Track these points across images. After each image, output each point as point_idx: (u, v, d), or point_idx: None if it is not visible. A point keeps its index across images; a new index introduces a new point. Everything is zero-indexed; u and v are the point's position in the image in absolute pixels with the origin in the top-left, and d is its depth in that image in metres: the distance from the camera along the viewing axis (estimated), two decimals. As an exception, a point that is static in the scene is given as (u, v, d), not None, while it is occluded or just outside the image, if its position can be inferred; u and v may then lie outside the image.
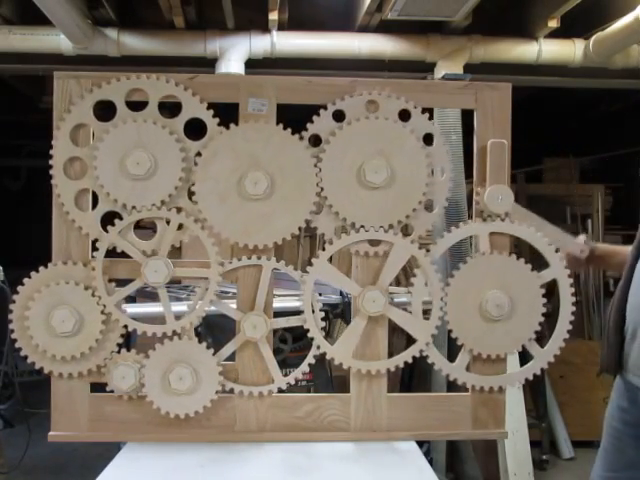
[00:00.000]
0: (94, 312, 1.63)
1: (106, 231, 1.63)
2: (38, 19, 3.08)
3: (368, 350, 1.69)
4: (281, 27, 3.35)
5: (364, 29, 3.41)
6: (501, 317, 1.66)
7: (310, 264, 1.67)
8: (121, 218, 1.64)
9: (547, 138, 5.75)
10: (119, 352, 1.66)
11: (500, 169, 1.69)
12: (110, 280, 1.66)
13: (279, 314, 1.72)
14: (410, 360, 1.69)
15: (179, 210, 1.65)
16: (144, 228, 2.13)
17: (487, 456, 3.50)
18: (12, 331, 1.63)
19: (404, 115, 1.68)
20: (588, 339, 4.64)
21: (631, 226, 1.94)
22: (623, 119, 5.30)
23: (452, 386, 1.90)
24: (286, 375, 1.70)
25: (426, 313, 1.70)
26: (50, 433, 1.68)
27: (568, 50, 3.47)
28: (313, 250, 4.73)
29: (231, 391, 1.68)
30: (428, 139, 1.69)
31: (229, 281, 1.70)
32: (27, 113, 5.24)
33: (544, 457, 3.97)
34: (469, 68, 3.41)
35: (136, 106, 1.65)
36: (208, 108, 1.65)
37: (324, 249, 1.68)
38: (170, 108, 1.74)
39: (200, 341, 1.67)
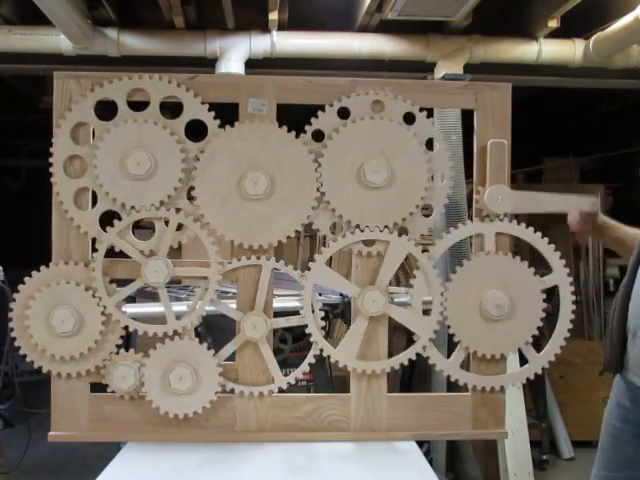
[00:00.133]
0: (94, 312, 1.63)
1: (105, 231, 1.63)
2: (38, 19, 3.08)
3: (369, 350, 1.69)
4: (281, 27, 3.34)
5: (364, 29, 3.41)
6: (501, 317, 1.66)
7: (309, 266, 1.67)
8: (120, 218, 1.64)
9: (547, 138, 5.75)
10: (117, 353, 1.66)
11: (500, 169, 1.69)
12: (111, 281, 1.66)
13: (279, 314, 1.72)
14: (414, 357, 1.69)
15: (178, 211, 1.65)
16: (144, 228, 2.13)
17: (487, 456, 3.50)
18: (12, 329, 1.63)
19: (408, 118, 1.67)
20: (588, 339, 4.64)
21: (631, 226, 1.95)
22: (623, 119, 5.30)
23: (452, 386, 1.90)
24: (286, 375, 1.70)
25: (426, 313, 1.70)
26: (50, 433, 1.68)
27: (568, 50, 3.47)
28: (313, 250, 4.73)
29: (231, 391, 1.68)
30: (430, 143, 1.69)
31: (229, 281, 1.70)
32: (27, 113, 5.24)
33: (544, 457, 3.97)
34: (469, 68, 3.41)
35: (137, 106, 1.65)
36: (209, 110, 1.65)
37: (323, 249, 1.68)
38: (170, 108, 1.74)
39: (200, 342, 1.67)
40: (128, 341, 2.17)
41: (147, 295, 2.63)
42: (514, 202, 1.69)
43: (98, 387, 1.68)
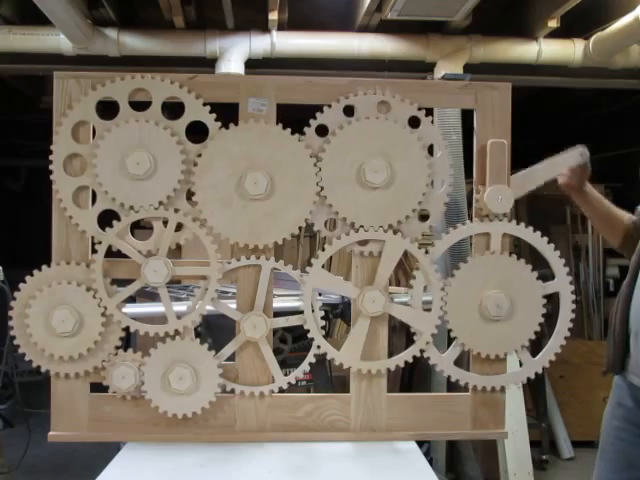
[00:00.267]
0: (94, 313, 1.63)
1: (103, 230, 1.63)
2: (38, 19, 3.08)
3: (369, 350, 1.69)
4: (281, 27, 3.35)
5: (364, 29, 3.41)
6: (500, 317, 1.66)
7: (309, 265, 1.67)
8: (119, 218, 1.64)
9: (547, 138, 5.75)
10: (116, 355, 1.66)
11: (500, 169, 1.69)
12: (112, 282, 1.66)
13: (279, 314, 1.72)
14: (418, 354, 1.68)
15: (177, 211, 1.65)
16: (145, 228, 2.13)
17: (487, 456, 3.50)
18: (12, 328, 1.63)
19: (413, 121, 1.67)
20: (588, 339, 4.65)
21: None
22: (623, 119, 5.30)
23: (452, 386, 1.90)
24: (286, 375, 1.70)
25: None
26: (50, 433, 1.68)
27: (568, 50, 3.47)
28: (313, 250, 4.74)
29: (231, 391, 1.68)
30: (431, 147, 1.69)
31: (229, 281, 1.70)
32: (27, 113, 5.24)
33: (544, 457, 3.97)
34: (469, 68, 3.41)
35: (137, 106, 1.65)
36: (211, 112, 1.65)
37: (324, 249, 1.67)
38: (170, 108, 1.74)
39: (201, 342, 1.67)
40: (128, 342, 2.17)
41: (147, 295, 2.64)
42: (513, 184, 1.69)
43: (99, 387, 1.68)
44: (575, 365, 4.21)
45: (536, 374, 1.73)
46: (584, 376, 4.19)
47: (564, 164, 1.82)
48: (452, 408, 1.73)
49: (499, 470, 3.44)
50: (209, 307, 1.66)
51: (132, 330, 1.65)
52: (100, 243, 1.63)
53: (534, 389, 3.92)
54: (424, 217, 1.71)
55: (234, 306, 1.69)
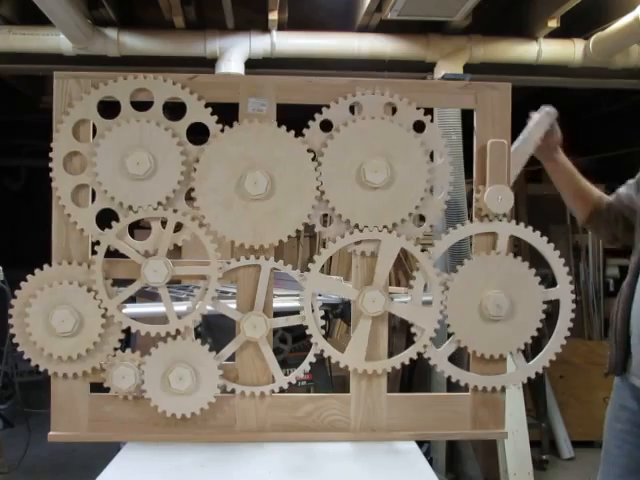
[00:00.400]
0: (94, 313, 1.63)
1: (102, 229, 1.63)
2: (38, 19, 3.09)
3: (370, 350, 1.69)
4: (281, 27, 3.35)
5: (364, 29, 3.41)
6: (500, 317, 1.66)
7: (312, 262, 1.68)
8: (118, 217, 1.64)
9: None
10: (114, 356, 1.66)
11: (500, 169, 1.69)
12: (113, 284, 1.66)
13: (279, 314, 1.72)
14: (422, 349, 1.68)
15: (176, 212, 1.65)
16: (144, 228, 2.13)
17: (487, 456, 3.50)
18: (11, 326, 1.63)
19: (417, 126, 1.67)
20: (588, 339, 4.65)
21: (629, 226, 1.96)
22: (623, 119, 5.31)
23: (452, 386, 1.90)
24: (286, 375, 1.70)
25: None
26: (50, 433, 1.68)
27: (568, 50, 3.48)
28: (313, 250, 4.74)
29: (231, 391, 1.68)
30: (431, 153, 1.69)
31: (229, 281, 1.70)
32: (27, 113, 5.24)
33: (544, 457, 3.98)
34: (469, 68, 3.42)
35: (138, 106, 1.65)
36: (212, 113, 1.65)
37: (324, 247, 1.68)
38: (171, 107, 1.74)
39: (202, 342, 1.67)
40: (128, 342, 2.17)
41: (147, 295, 2.64)
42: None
43: (99, 387, 1.68)
44: (575, 365, 4.21)
45: (537, 374, 1.73)
46: (584, 376, 4.19)
47: (538, 129, 1.77)
48: (452, 408, 1.73)
49: (499, 470, 3.44)
50: (209, 307, 1.67)
51: (133, 330, 1.65)
52: (99, 244, 1.63)
53: (534, 389, 3.92)
54: (424, 219, 1.71)
55: (234, 306, 1.69)
